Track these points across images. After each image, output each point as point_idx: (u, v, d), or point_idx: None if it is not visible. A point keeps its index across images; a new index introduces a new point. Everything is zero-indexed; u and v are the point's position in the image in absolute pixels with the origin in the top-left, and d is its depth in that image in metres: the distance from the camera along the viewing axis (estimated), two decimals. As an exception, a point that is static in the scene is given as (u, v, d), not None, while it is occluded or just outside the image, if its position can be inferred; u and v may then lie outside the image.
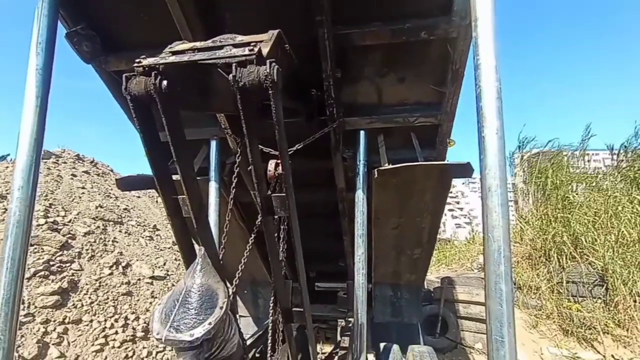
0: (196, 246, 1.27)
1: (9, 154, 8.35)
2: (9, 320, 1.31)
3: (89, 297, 4.52)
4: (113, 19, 1.85)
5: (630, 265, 5.05)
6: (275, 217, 1.40)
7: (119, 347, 4.24)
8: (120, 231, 6.24)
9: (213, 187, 2.27)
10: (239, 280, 1.42)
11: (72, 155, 8.31)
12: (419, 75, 2.01)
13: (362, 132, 2.24)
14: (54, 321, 4.03)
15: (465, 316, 5.33)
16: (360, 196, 2.20)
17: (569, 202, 6.46)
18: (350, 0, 1.67)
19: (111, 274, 5.04)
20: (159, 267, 5.90)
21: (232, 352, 1.17)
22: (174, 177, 1.14)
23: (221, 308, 1.04)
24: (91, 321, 4.29)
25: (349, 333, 3.29)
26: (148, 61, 0.91)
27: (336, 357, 3.48)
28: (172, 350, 4.14)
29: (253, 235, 1.47)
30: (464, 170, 1.95)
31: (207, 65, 0.94)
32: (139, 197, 8.32)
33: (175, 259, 6.43)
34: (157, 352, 4.51)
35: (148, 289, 5.30)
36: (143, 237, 6.57)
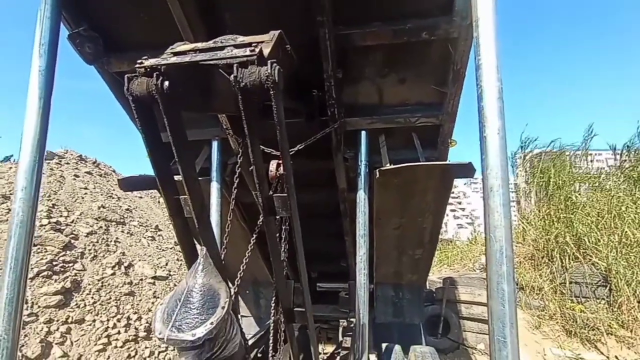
0: (198, 246, 1.28)
1: (12, 155, 8.40)
2: (12, 319, 1.32)
3: (92, 297, 4.53)
4: (113, 19, 1.85)
5: (634, 266, 5.02)
6: (277, 217, 1.40)
7: (121, 347, 4.26)
8: (122, 231, 6.26)
9: (215, 187, 2.27)
10: (240, 280, 1.42)
11: (75, 156, 8.35)
12: (420, 75, 2.00)
13: (363, 133, 2.24)
14: (57, 321, 4.04)
15: (467, 317, 5.32)
16: (361, 196, 2.19)
17: (572, 202, 6.43)
18: (350, 1, 1.67)
19: (113, 274, 5.06)
20: (161, 267, 5.91)
21: (234, 352, 1.17)
22: (176, 177, 1.15)
23: (223, 308, 1.04)
24: (94, 321, 4.31)
25: (350, 333, 3.28)
26: (150, 62, 0.92)
27: (338, 358, 3.47)
28: (174, 350, 4.15)
29: (255, 236, 1.48)
30: (466, 171, 1.95)
31: (208, 66, 0.94)
32: (141, 197, 8.35)
33: (177, 259, 6.45)
34: (159, 352, 4.52)
35: (150, 289, 5.31)
36: (145, 238, 6.59)
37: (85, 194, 6.65)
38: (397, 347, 2.50)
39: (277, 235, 1.51)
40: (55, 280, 4.37)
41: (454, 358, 5.07)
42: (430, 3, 1.66)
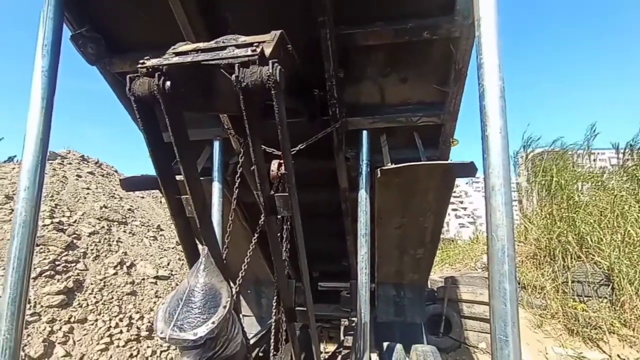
0: (199, 246, 1.28)
1: (15, 156, 8.44)
2: (15, 319, 1.33)
3: (94, 297, 4.55)
4: (113, 19, 1.85)
5: (637, 265, 4.99)
6: (278, 216, 1.41)
7: (123, 346, 4.28)
8: (124, 231, 6.28)
9: (216, 187, 2.27)
10: (242, 279, 1.43)
11: (77, 156, 8.39)
12: (422, 75, 2.00)
13: (364, 132, 2.24)
14: (60, 320, 4.06)
15: (469, 316, 5.31)
16: (363, 196, 2.19)
17: (574, 201, 6.40)
18: (351, 1, 1.67)
19: (116, 273, 5.08)
20: (162, 267, 5.93)
21: (236, 351, 1.18)
22: (178, 177, 1.15)
23: (224, 307, 1.05)
24: (96, 320, 4.33)
25: (352, 332, 3.29)
26: (151, 62, 0.92)
27: (339, 357, 3.48)
28: (176, 349, 4.16)
29: (256, 235, 1.48)
30: (468, 170, 1.94)
31: (210, 66, 0.94)
32: (143, 197, 8.38)
33: (179, 259, 6.47)
34: (161, 351, 4.54)
35: (152, 289, 5.33)
36: (147, 237, 6.62)
37: (88, 194, 6.68)
38: (399, 346, 2.50)
39: (279, 234, 1.51)
40: (58, 280, 4.40)
41: (455, 357, 5.07)
42: (431, 3, 1.65)
